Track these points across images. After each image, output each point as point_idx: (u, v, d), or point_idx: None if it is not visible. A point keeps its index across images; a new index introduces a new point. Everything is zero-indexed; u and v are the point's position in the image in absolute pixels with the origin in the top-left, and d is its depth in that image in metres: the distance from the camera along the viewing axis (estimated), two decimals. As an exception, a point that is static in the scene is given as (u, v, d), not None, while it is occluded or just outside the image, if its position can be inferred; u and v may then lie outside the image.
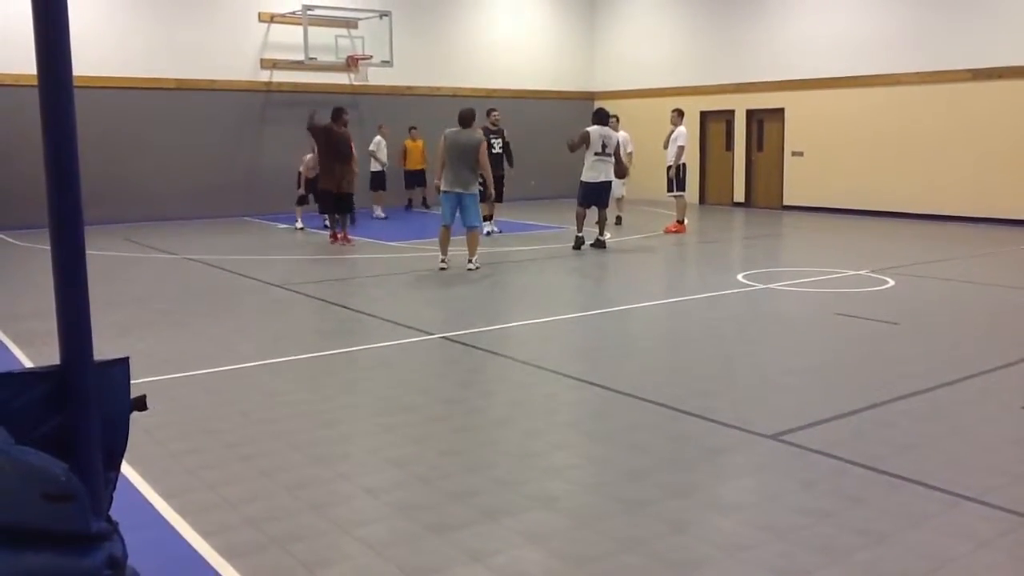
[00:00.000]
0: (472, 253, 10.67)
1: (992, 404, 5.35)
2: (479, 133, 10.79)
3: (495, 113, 14.75)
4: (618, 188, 14.92)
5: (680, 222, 14.67)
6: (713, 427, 4.91)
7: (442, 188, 10.59)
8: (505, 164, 14.50)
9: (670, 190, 14.81)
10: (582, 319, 8.03)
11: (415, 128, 18.01)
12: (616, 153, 12.62)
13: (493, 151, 14.35)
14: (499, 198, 14.55)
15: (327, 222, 13.90)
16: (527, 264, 11.51)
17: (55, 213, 1.94)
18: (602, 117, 12.69)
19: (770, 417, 5.05)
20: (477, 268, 10.56)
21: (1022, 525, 3.63)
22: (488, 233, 13.81)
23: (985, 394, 5.58)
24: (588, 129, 12.50)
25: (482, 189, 14.40)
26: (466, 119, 10.71)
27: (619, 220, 15.43)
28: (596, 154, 12.38)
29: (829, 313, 8.16)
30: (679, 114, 14.81)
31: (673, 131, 14.68)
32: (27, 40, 2.18)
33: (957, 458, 4.42)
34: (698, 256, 12.89)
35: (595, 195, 12.51)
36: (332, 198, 13.13)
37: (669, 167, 14.74)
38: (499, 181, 14.38)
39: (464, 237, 10.74)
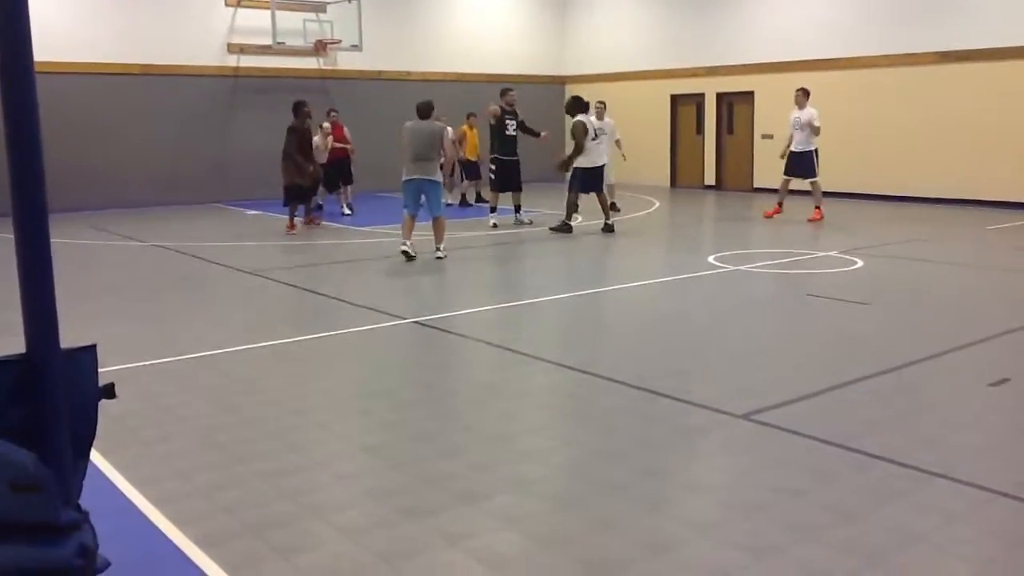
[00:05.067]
0: (439, 240, 10.39)
1: (960, 382, 5.43)
2: (438, 123, 10.50)
3: (511, 93, 14.06)
4: (608, 175, 14.83)
5: (817, 207, 13.77)
6: (686, 408, 4.94)
7: (403, 176, 10.37)
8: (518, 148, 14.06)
9: (807, 176, 13.71)
10: (554, 302, 8.04)
11: (474, 115, 16.50)
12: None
13: (507, 132, 13.76)
14: (517, 186, 13.87)
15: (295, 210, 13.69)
16: (500, 248, 11.49)
17: (18, 201, 1.91)
18: (583, 104, 12.69)
19: (742, 397, 5.09)
20: (445, 256, 10.28)
21: (991, 500, 3.69)
22: (494, 225, 13.39)
23: (953, 372, 5.66)
24: (580, 119, 12.49)
25: (492, 177, 14.14)
26: (424, 111, 10.45)
27: (614, 206, 15.20)
28: (592, 139, 12.51)
29: (800, 294, 8.23)
30: (805, 94, 13.68)
31: (799, 112, 13.69)
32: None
33: (926, 435, 4.48)
34: (668, 239, 12.94)
35: (596, 180, 12.63)
36: (301, 192, 13.30)
37: (803, 152, 13.64)
38: (514, 167, 13.81)
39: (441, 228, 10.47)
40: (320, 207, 14.71)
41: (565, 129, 22.46)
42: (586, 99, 13.12)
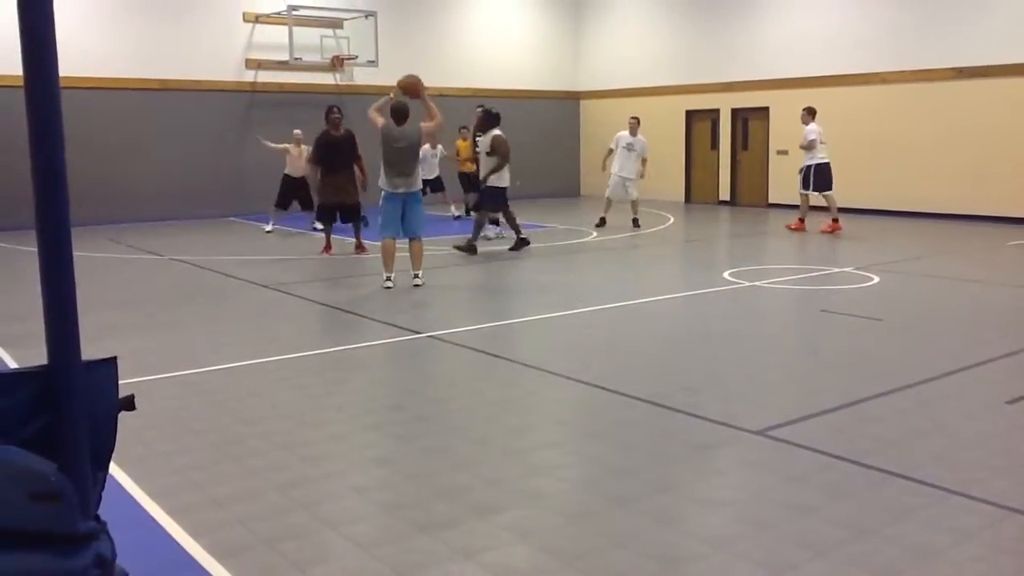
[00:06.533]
0: (417, 266, 9.47)
1: (975, 399, 5.40)
2: (417, 125, 9.51)
3: (476, 110, 13.77)
4: (632, 190, 14.93)
5: (835, 220, 14.19)
6: (700, 423, 4.93)
7: (387, 189, 9.38)
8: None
9: (807, 188, 14.32)
10: (568, 317, 8.04)
11: (465, 128, 16.16)
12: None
13: (475, 149, 13.59)
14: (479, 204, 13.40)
15: (317, 226, 13.49)
16: (512, 263, 11.51)
17: (42, 214, 1.94)
18: (496, 117, 12.37)
19: (756, 413, 5.08)
20: (423, 284, 9.44)
21: (1005, 517, 3.67)
22: (493, 236, 13.32)
23: (968, 389, 5.63)
24: (500, 133, 12.23)
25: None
26: (402, 115, 9.48)
27: (636, 222, 15.01)
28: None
29: (814, 310, 8.20)
30: (810, 112, 14.33)
31: (806, 130, 14.20)
32: (13, 41, 2.18)
33: (941, 452, 4.46)
34: (684, 254, 12.93)
35: (505, 198, 12.45)
36: (335, 210, 12.29)
37: (810, 167, 14.24)
38: (476, 180, 13.52)
39: (420, 249, 9.60)
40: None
41: (581, 144, 22.66)
42: (496, 111, 12.53)
